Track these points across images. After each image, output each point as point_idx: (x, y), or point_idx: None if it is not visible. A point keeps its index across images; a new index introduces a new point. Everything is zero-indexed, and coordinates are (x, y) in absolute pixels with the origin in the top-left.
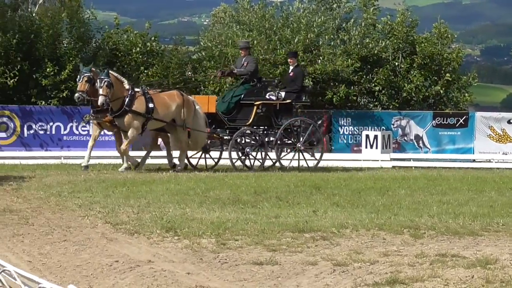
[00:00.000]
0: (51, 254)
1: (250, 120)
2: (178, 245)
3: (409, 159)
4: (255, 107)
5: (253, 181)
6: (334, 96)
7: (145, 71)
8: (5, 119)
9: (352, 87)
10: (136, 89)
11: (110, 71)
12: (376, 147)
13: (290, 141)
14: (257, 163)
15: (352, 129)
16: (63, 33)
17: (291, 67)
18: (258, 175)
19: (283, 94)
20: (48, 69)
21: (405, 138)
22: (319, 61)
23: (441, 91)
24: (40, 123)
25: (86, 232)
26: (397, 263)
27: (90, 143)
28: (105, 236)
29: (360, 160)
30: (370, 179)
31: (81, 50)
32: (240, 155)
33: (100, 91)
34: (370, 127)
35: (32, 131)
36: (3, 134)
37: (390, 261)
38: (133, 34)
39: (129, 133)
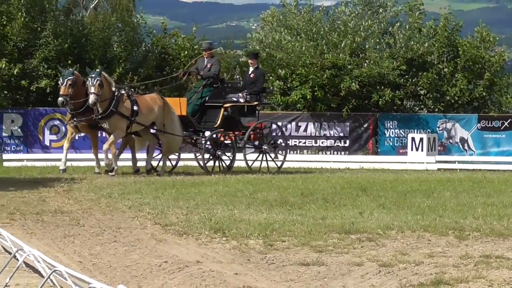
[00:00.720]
0: (102, 254)
1: (218, 122)
2: (226, 246)
3: (454, 162)
4: (222, 109)
5: (300, 183)
6: (380, 99)
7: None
8: (56, 122)
9: (397, 91)
10: (122, 91)
11: (102, 72)
12: (422, 150)
13: (256, 143)
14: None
15: (398, 131)
16: (113, 37)
17: (251, 68)
18: (304, 177)
19: (245, 95)
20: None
21: (450, 140)
22: (365, 64)
23: (484, 94)
24: None
25: (136, 233)
26: (442, 264)
27: (66, 145)
28: (154, 237)
29: (406, 162)
30: (415, 181)
31: (131, 53)
32: (211, 157)
33: (92, 89)
34: (415, 130)
35: (82, 134)
36: (53, 137)
37: (435, 262)
38: (181, 38)
39: (114, 134)
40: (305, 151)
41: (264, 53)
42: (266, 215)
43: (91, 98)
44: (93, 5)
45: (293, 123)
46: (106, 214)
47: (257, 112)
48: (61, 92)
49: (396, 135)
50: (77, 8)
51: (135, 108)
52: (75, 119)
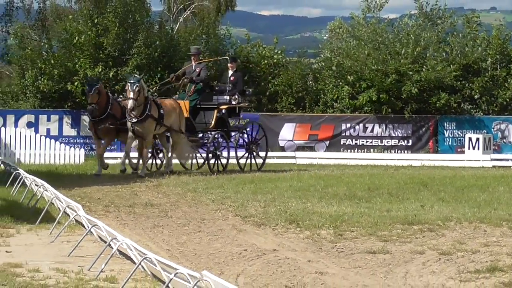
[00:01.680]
0: (187, 243)
1: (213, 123)
2: (300, 235)
3: (508, 160)
4: (215, 111)
5: (367, 179)
6: (438, 102)
7: (272, 80)
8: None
9: (454, 94)
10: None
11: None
12: (478, 149)
13: (244, 142)
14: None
15: (456, 132)
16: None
17: (230, 72)
18: (371, 174)
19: (237, 97)
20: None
21: (504, 140)
22: (424, 69)
23: None
24: None
25: (218, 224)
26: (497, 252)
27: (101, 152)
28: (235, 228)
29: (463, 160)
30: (472, 177)
31: (215, 63)
32: (211, 156)
33: (131, 95)
34: (472, 131)
35: None
36: None
37: (490, 251)
38: (261, 47)
39: (149, 138)
40: (371, 150)
41: (335, 61)
42: (336, 208)
43: (130, 103)
44: (182, 19)
45: (361, 125)
46: (192, 207)
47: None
48: (90, 101)
49: (454, 136)
50: (168, 21)
51: (162, 111)
52: (102, 125)
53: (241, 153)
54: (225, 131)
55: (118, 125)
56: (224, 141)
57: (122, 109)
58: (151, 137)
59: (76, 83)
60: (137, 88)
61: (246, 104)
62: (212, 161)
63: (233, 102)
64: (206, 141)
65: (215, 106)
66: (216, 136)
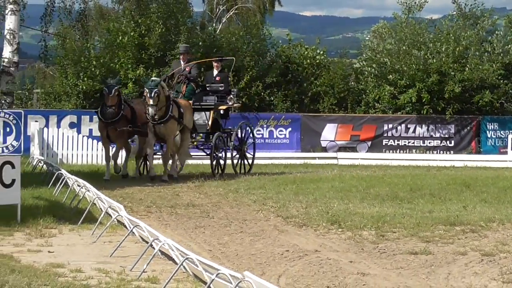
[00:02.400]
0: (229, 244)
1: (210, 124)
2: (342, 236)
3: None
4: (211, 112)
5: (409, 179)
6: (480, 100)
7: (314, 81)
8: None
9: (498, 93)
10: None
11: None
12: None
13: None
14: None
15: (499, 133)
16: (242, 48)
17: (215, 71)
18: (413, 174)
19: (233, 97)
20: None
21: None
22: (467, 68)
23: None
24: None
25: (260, 225)
26: None
27: (115, 156)
28: (276, 228)
29: (506, 161)
30: None
31: (257, 62)
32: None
33: (151, 102)
34: None
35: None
36: None
37: None
38: (304, 48)
39: (171, 139)
40: (413, 151)
41: (376, 60)
42: (378, 209)
43: (151, 110)
44: (225, 19)
45: (403, 125)
46: (233, 207)
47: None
48: (109, 103)
49: (497, 136)
50: (211, 22)
51: (182, 110)
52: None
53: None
54: (225, 132)
55: (132, 128)
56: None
57: (131, 110)
58: (172, 138)
59: (129, 85)
60: (155, 94)
61: (240, 105)
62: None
63: (229, 103)
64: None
65: (212, 106)
66: (219, 137)
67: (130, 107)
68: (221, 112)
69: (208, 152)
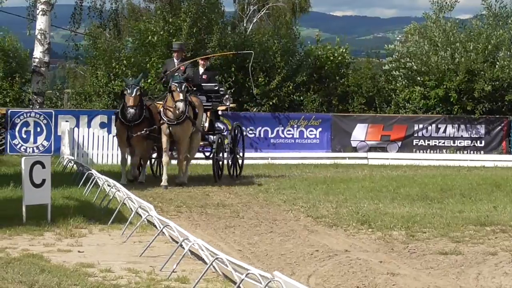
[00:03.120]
0: (259, 244)
1: (207, 126)
2: (372, 236)
3: None
4: (208, 113)
5: (439, 179)
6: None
7: (341, 80)
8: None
9: None
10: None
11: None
12: None
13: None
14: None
15: None
16: (272, 47)
17: (201, 69)
18: (444, 174)
19: (229, 97)
20: (259, 79)
21: None
22: (497, 67)
23: None
24: (250, 127)
25: (290, 225)
26: None
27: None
28: (306, 228)
29: None
30: None
31: (287, 62)
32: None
33: (181, 96)
34: None
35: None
36: None
37: None
38: (333, 49)
39: (186, 141)
40: (444, 151)
41: (406, 61)
42: (408, 209)
43: (181, 106)
44: (256, 19)
45: (433, 125)
46: (263, 207)
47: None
48: (131, 103)
49: None
50: (242, 22)
51: (196, 110)
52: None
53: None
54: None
55: (154, 132)
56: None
57: (149, 113)
58: (187, 140)
59: (150, 80)
60: (186, 89)
61: (235, 105)
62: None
63: (227, 103)
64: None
65: (210, 107)
66: (219, 139)
67: (148, 109)
68: (219, 112)
69: (208, 155)
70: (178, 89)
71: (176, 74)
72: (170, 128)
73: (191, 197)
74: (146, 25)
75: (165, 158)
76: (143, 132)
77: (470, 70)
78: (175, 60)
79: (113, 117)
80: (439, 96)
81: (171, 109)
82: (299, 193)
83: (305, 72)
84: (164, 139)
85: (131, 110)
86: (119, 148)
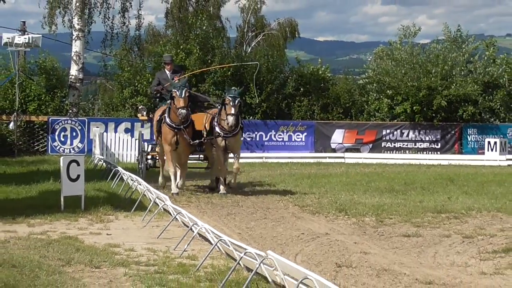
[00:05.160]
0: (255, 228)
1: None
2: (348, 222)
3: None
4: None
5: (404, 175)
6: (464, 113)
7: (322, 93)
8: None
9: (477, 105)
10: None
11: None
12: (495, 151)
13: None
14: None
15: (477, 137)
16: (264, 65)
17: (168, 72)
18: (407, 171)
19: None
20: (252, 92)
21: None
22: (453, 86)
23: None
24: (248, 132)
25: (281, 212)
26: (511, 236)
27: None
28: (294, 215)
29: (483, 160)
30: (491, 174)
31: (276, 78)
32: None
33: (232, 110)
34: (491, 136)
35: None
36: None
37: (505, 235)
38: (316, 68)
39: (239, 151)
40: (407, 152)
41: (377, 78)
42: (378, 199)
43: (231, 120)
44: (254, 43)
45: (398, 131)
46: (259, 198)
47: None
48: (181, 104)
49: (476, 140)
50: (242, 46)
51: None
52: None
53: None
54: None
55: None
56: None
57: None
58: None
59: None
60: (239, 103)
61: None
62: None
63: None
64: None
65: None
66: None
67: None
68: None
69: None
70: (231, 103)
71: (177, 81)
72: (226, 140)
73: (199, 190)
74: (162, 48)
75: (222, 172)
76: (204, 140)
77: (430, 87)
78: (167, 72)
79: (153, 123)
80: (406, 111)
81: (224, 121)
82: (288, 186)
83: (291, 85)
84: (219, 151)
85: (183, 111)
86: (168, 155)
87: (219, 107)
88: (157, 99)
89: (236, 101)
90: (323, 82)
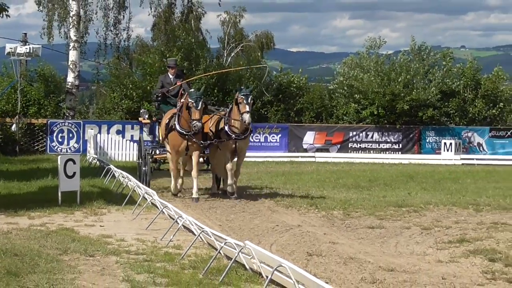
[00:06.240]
0: (234, 220)
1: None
2: (318, 215)
3: (473, 159)
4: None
5: (368, 173)
6: (424, 115)
7: (299, 99)
8: None
9: (435, 110)
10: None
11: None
12: (451, 151)
13: None
14: None
15: (435, 138)
16: (245, 75)
17: (171, 76)
18: (372, 169)
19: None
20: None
21: (471, 144)
22: (414, 92)
23: (496, 113)
24: None
25: (257, 206)
26: (464, 228)
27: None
28: (270, 209)
29: (440, 159)
30: (446, 172)
31: (257, 86)
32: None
33: (247, 108)
34: (447, 137)
35: None
36: None
37: (459, 227)
38: (290, 75)
39: (244, 155)
40: (371, 152)
41: (346, 84)
42: (345, 194)
43: (247, 118)
44: (234, 53)
45: (364, 133)
46: (238, 193)
47: None
48: (197, 117)
49: (433, 141)
50: (223, 56)
51: None
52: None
53: None
54: None
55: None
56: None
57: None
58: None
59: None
60: (252, 101)
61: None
62: None
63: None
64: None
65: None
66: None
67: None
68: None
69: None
70: (245, 101)
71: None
72: (236, 143)
73: (184, 186)
74: (148, 58)
75: (229, 165)
76: (213, 142)
77: (393, 93)
78: (171, 76)
79: (156, 125)
80: (372, 114)
81: (237, 122)
82: (264, 183)
83: (271, 93)
84: (228, 154)
85: (198, 124)
86: (171, 160)
87: (226, 110)
88: (159, 103)
89: (249, 99)
90: (299, 89)
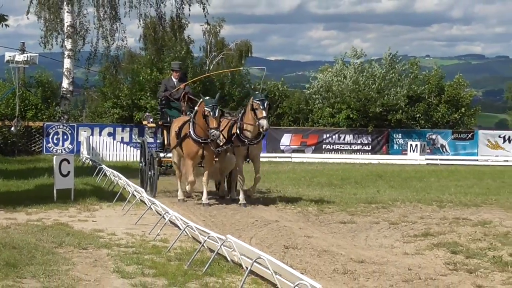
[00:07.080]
0: (217, 216)
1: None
2: (294, 211)
3: (437, 159)
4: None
5: (341, 172)
6: (392, 119)
7: (279, 105)
8: None
9: (403, 113)
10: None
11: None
12: (416, 152)
13: None
14: None
15: (402, 140)
16: (227, 81)
17: (174, 80)
18: (344, 168)
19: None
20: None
21: (435, 146)
22: (385, 97)
23: (457, 117)
24: None
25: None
26: (429, 223)
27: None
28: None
29: (406, 159)
30: (413, 171)
31: (240, 92)
32: None
33: (264, 113)
34: (413, 139)
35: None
36: None
37: (424, 222)
38: (272, 83)
39: (259, 160)
40: (344, 152)
41: (322, 90)
42: (319, 192)
43: (265, 123)
44: (216, 61)
45: (337, 135)
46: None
47: None
48: (214, 125)
49: (400, 143)
50: (206, 63)
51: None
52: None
53: None
54: None
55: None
56: None
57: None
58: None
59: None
60: (268, 106)
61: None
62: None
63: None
64: None
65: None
66: None
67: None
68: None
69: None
70: (261, 107)
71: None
72: (249, 148)
73: (171, 184)
74: (137, 67)
75: (241, 172)
76: (223, 147)
77: (367, 98)
78: (174, 80)
79: (159, 129)
80: (348, 115)
81: (250, 126)
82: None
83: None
84: (240, 159)
85: (216, 132)
86: (184, 166)
87: (239, 114)
88: (163, 106)
89: (265, 104)
90: (280, 96)
